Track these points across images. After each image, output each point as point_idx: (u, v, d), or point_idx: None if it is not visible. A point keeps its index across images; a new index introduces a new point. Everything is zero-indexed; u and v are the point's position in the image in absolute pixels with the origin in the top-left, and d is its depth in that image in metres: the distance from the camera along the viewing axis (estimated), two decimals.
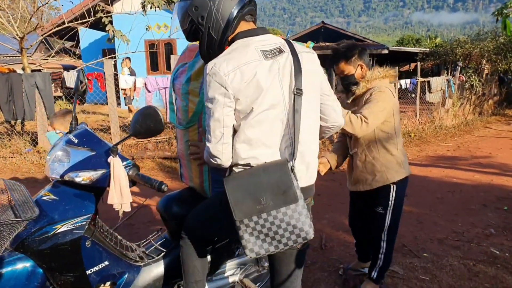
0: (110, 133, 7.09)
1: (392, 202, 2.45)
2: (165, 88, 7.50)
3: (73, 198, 1.61)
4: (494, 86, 13.49)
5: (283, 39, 1.56)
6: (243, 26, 1.53)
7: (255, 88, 1.42)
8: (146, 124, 1.61)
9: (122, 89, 7.73)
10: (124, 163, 1.66)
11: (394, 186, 2.43)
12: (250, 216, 1.40)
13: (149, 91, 7.47)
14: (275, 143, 1.48)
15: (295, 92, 1.46)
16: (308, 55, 1.56)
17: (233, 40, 1.52)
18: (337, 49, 2.46)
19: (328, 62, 2.60)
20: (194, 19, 1.49)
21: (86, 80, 1.89)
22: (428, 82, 10.34)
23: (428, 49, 15.53)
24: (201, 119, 1.81)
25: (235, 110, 1.46)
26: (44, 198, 1.58)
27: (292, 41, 1.57)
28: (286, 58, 1.49)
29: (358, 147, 2.48)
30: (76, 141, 1.68)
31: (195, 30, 1.52)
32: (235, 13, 1.47)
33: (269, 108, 1.45)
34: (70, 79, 7.28)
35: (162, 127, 1.62)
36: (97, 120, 10.57)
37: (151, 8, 6.76)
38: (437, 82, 10.41)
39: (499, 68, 12.82)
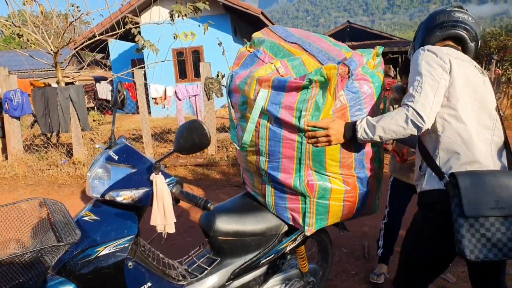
0: (142, 142, 7.16)
1: None
2: (195, 95, 7.50)
3: (115, 218, 1.54)
4: None
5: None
6: (445, 44, 1.72)
7: (470, 83, 1.57)
8: (191, 138, 1.50)
9: (152, 98, 7.78)
10: (167, 180, 1.57)
11: None
12: (481, 213, 1.42)
13: (179, 99, 7.50)
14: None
15: (500, 113, 1.64)
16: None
17: None
18: None
19: (403, 69, 2.74)
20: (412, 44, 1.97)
21: (125, 92, 1.83)
22: None
23: None
24: (258, 134, 1.73)
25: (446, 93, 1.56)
26: (85, 218, 1.52)
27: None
28: (487, 81, 1.66)
29: None
30: (116, 157, 1.61)
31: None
32: (431, 31, 1.76)
33: (487, 116, 1.59)
34: (102, 90, 7.42)
35: (208, 142, 1.51)
36: (129, 129, 10.74)
37: (178, 16, 6.78)
38: None
39: None
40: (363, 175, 1.76)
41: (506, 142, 1.61)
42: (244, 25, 15.84)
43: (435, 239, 1.60)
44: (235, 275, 1.85)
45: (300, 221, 1.80)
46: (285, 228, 1.91)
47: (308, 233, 1.81)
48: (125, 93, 1.80)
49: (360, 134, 1.58)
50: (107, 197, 1.52)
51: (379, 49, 1.79)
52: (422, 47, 1.63)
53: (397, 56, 18.60)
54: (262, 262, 1.90)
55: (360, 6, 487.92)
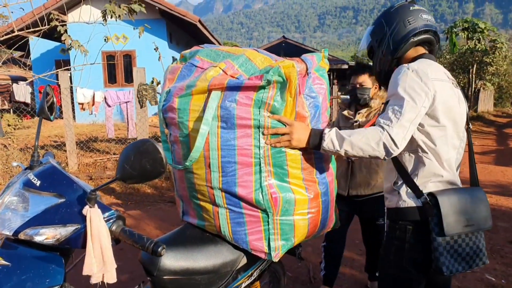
0: (65, 151, 6.48)
1: None
2: (126, 102, 7.00)
3: (33, 263, 1.18)
4: None
5: None
6: (418, 51, 1.68)
7: (448, 108, 1.56)
8: (140, 164, 1.16)
9: (79, 104, 7.11)
10: (106, 215, 1.24)
11: None
12: (458, 231, 1.49)
13: (109, 106, 6.94)
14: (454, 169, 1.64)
15: (467, 129, 1.69)
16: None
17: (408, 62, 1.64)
18: (364, 63, 2.75)
19: (350, 72, 2.81)
20: (372, 42, 1.74)
21: (55, 99, 1.48)
22: None
23: None
24: (207, 146, 1.49)
25: (426, 116, 1.53)
26: None
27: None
28: (461, 95, 1.67)
29: None
30: (38, 182, 1.26)
31: (371, 51, 1.76)
32: (405, 39, 1.63)
33: (457, 137, 1.62)
34: (20, 92, 6.63)
35: (162, 169, 1.18)
36: (50, 136, 9.76)
37: (111, 17, 6.29)
38: None
39: None
40: (324, 179, 1.66)
41: (471, 158, 1.73)
42: (181, 32, 15.42)
43: (414, 256, 1.60)
44: None
45: (264, 247, 1.59)
46: (242, 262, 1.68)
47: (275, 259, 1.61)
48: (54, 100, 1.44)
49: (326, 144, 1.51)
50: (21, 235, 1.17)
51: (325, 51, 1.74)
52: (406, 65, 1.56)
53: (329, 73, 19.40)
54: None
55: (292, 23, 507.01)
